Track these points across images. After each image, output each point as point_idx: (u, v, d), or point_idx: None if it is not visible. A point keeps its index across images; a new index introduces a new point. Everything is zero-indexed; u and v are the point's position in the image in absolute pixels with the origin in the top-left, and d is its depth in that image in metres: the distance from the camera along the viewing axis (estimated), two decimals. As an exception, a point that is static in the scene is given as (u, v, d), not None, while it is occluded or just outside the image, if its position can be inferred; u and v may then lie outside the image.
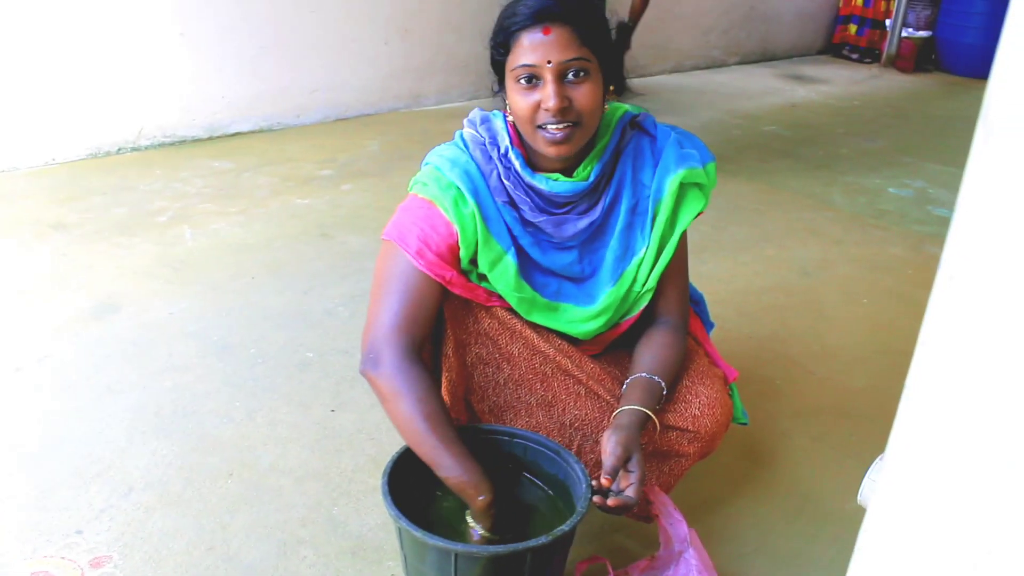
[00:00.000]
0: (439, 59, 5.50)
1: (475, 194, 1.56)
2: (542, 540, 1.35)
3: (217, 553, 1.77)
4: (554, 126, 1.47)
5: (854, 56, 8.21)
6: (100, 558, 1.75)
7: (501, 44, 1.52)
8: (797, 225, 3.81)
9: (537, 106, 1.47)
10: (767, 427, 2.28)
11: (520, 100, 1.49)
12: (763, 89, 6.75)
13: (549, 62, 1.45)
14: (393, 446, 1.59)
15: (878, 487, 0.70)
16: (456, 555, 1.35)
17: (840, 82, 7.22)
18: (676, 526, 1.49)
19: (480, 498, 1.44)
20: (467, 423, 1.70)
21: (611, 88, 1.59)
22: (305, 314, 2.80)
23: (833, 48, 8.46)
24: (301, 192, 3.95)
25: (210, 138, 4.64)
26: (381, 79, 5.31)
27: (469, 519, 1.49)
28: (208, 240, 3.36)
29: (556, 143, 1.49)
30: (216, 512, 1.89)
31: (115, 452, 2.06)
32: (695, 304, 1.98)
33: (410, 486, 1.51)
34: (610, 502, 1.42)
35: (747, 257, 3.42)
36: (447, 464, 1.46)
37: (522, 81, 1.48)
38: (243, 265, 3.14)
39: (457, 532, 1.51)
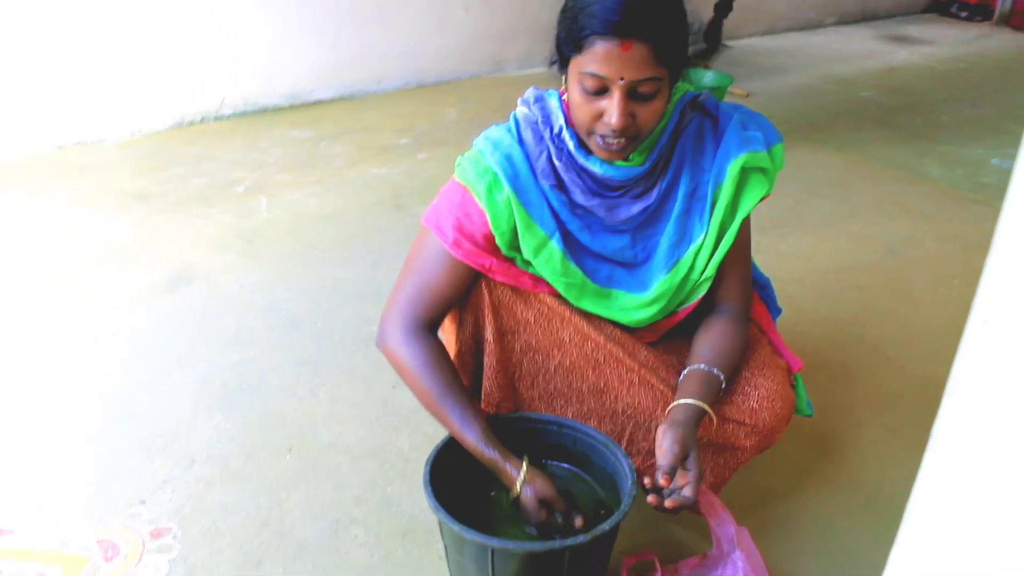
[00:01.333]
0: (521, 23, 5.41)
1: (513, 180, 1.51)
2: (580, 539, 1.32)
3: (271, 529, 1.80)
4: (611, 138, 1.41)
5: (963, 14, 7.76)
6: (160, 529, 1.79)
7: (573, 40, 1.39)
8: (887, 199, 3.64)
9: (598, 115, 1.40)
10: (838, 416, 2.19)
11: (581, 105, 1.41)
12: (861, 52, 6.46)
13: (622, 79, 1.35)
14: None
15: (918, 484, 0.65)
16: (493, 550, 1.33)
17: (946, 43, 6.85)
18: (723, 527, 1.44)
19: (509, 470, 1.48)
20: (515, 411, 1.67)
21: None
22: (373, 288, 2.81)
23: (940, 6, 8.02)
24: (377, 161, 3.96)
25: (291, 106, 4.69)
26: (462, 44, 5.27)
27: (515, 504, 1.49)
28: (283, 211, 3.40)
29: (610, 152, 1.44)
30: (273, 488, 1.92)
31: (180, 425, 2.11)
32: (761, 289, 1.89)
33: (465, 472, 1.51)
34: (668, 504, 1.36)
35: (830, 233, 3.28)
36: (468, 427, 1.51)
37: (587, 86, 1.38)
38: (315, 237, 3.17)
39: (514, 522, 1.50)
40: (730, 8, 4.87)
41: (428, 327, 1.58)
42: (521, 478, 1.46)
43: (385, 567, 1.71)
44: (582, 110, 1.41)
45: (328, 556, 1.73)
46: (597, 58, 1.35)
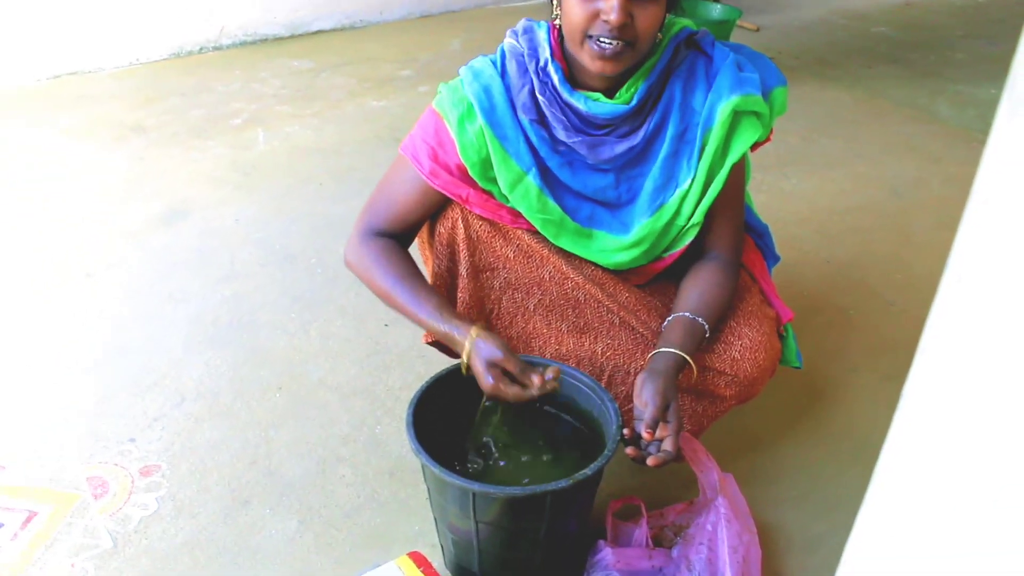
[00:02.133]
0: (528, -48, 5.28)
1: (488, 112, 1.47)
2: (562, 484, 1.31)
3: (259, 467, 1.81)
4: (607, 39, 1.36)
5: (984, -54, 7.53)
6: (149, 467, 1.80)
7: None
8: (895, 139, 3.56)
9: (595, 15, 1.35)
10: (833, 362, 2.17)
11: (577, 5, 1.36)
12: (877, -16, 6.28)
13: None
14: (444, 364, 1.57)
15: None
16: (474, 494, 1.33)
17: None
18: (707, 474, 1.44)
19: (465, 341, 1.46)
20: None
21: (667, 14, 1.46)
22: (369, 224, 2.78)
23: (962, -64, 7.77)
24: (377, 93, 3.90)
25: (291, 36, 4.60)
26: (467, -26, 5.15)
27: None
28: (280, 144, 3.35)
29: (604, 58, 1.38)
30: (262, 426, 1.92)
31: (171, 362, 2.11)
32: (759, 237, 1.85)
33: (450, 413, 1.50)
34: (650, 462, 1.35)
35: (836, 173, 3.22)
36: (428, 310, 1.51)
37: None
38: (312, 171, 3.13)
39: (494, 457, 1.50)
40: None
41: (385, 234, 1.60)
42: (469, 341, 1.44)
43: (371, 506, 1.72)
44: (578, 11, 1.36)
45: (314, 495, 1.74)
46: None
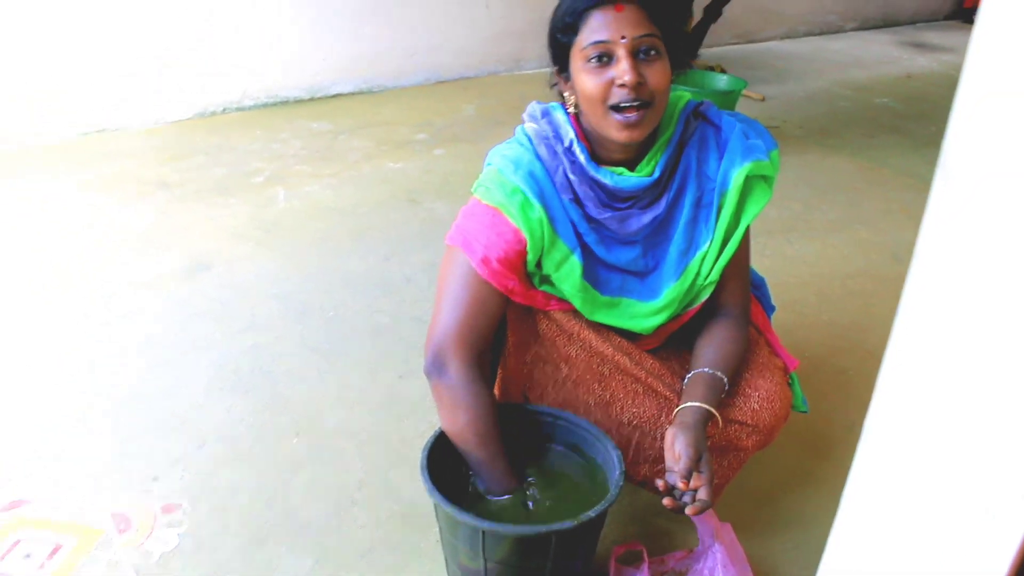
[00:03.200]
0: (541, 22, 5.41)
1: (541, 196, 1.54)
2: (567, 525, 1.38)
3: (276, 509, 1.87)
4: (628, 104, 1.44)
5: (984, 23, 7.75)
6: (171, 505, 1.87)
7: (569, 26, 1.48)
8: (895, 206, 3.68)
9: (610, 84, 1.44)
10: (832, 419, 2.24)
11: (591, 80, 1.46)
12: (879, 58, 6.48)
13: (623, 37, 1.42)
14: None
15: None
16: (484, 532, 1.39)
17: (966, 51, 6.84)
18: (703, 521, 1.50)
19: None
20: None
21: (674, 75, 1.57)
22: (385, 280, 2.88)
23: (963, 13, 8.02)
24: (394, 156, 4.03)
25: (311, 99, 4.77)
26: (481, 42, 5.33)
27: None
28: (300, 202, 3.48)
29: (629, 126, 1.46)
30: (280, 469, 1.99)
31: (193, 407, 2.19)
32: (755, 288, 1.94)
33: (461, 460, 1.57)
34: (689, 511, 1.39)
35: (837, 239, 3.32)
36: (488, 477, 1.55)
37: (593, 60, 1.45)
38: (330, 229, 3.25)
39: (502, 505, 1.56)
40: (718, 14, 4.85)
41: (482, 360, 1.59)
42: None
43: (383, 548, 1.78)
44: (592, 85, 1.45)
45: (330, 536, 1.81)
46: (596, 27, 1.44)
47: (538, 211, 1.53)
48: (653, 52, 1.46)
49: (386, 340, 2.53)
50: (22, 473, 1.97)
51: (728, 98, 3.95)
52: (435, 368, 1.55)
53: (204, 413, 2.17)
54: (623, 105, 1.45)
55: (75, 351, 2.42)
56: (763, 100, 4.96)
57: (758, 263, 2.92)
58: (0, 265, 2.92)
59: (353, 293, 2.79)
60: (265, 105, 4.63)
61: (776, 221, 3.32)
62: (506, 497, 1.55)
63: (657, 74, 1.46)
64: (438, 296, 1.59)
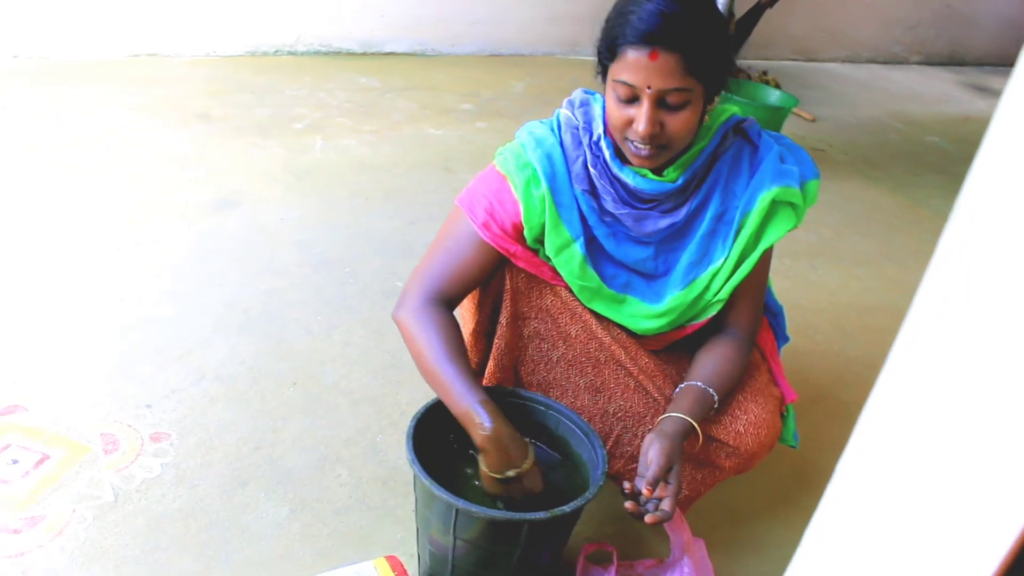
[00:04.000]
0: (604, 9, 5.41)
1: (551, 179, 1.55)
2: (540, 515, 1.39)
3: (262, 454, 1.90)
4: (641, 145, 1.45)
5: (1054, 75, 7.59)
6: (160, 434, 1.90)
7: (609, 48, 1.45)
8: (927, 248, 3.62)
9: (629, 122, 1.44)
10: (826, 451, 2.21)
11: (614, 110, 1.46)
12: (939, 96, 6.37)
13: (649, 87, 1.39)
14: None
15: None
16: (457, 510, 1.40)
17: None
18: (677, 533, 1.50)
19: (482, 428, 1.46)
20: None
21: (714, 100, 1.55)
22: (405, 243, 2.89)
23: (1032, 62, 7.85)
24: (436, 122, 4.03)
25: (363, 53, 4.78)
26: (542, 21, 5.30)
27: (480, 463, 1.51)
28: (336, 154, 3.49)
29: (641, 158, 1.47)
30: (272, 416, 2.01)
31: (198, 341, 2.22)
32: (772, 316, 1.93)
33: (448, 437, 1.58)
34: (648, 519, 1.40)
35: (862, 272, 3.29)
36: (456, 394, 1.48)
37: (619, 94, 1.43)
38: (361, 185, 3.26)
39: (484, 493, 1.57)
40: (755, 22, 4.77)
41: (445, 302, 1.60)
42: (530, 460, 1.49)
43: (360, 508, 1.80)
44: (615, 116, 1.46)
45: (309, 488, 1.83)
46: (628, 67, 1.40)
47: (543, 191, 1.54)
48: (680, 103, 1.42)
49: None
50: (24, 380, 2.00)
51: (777, 114, 3.91)
52: (397, 306, 1.59)
53: (208, 349, 2.19)
54: (636, 144, 1.45)
55: (93, 269, 2.46)
56: (813, 121, 4.91)
57: (777, 284, 2.90)
58: (35, 172, 2.97)
59: (373, 252, 2.80)
60: (317, 53, 4.63)
61: (803, 244, 3.30)
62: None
63: (678, 122, 1.43)
64: (429, 249, 1.63)
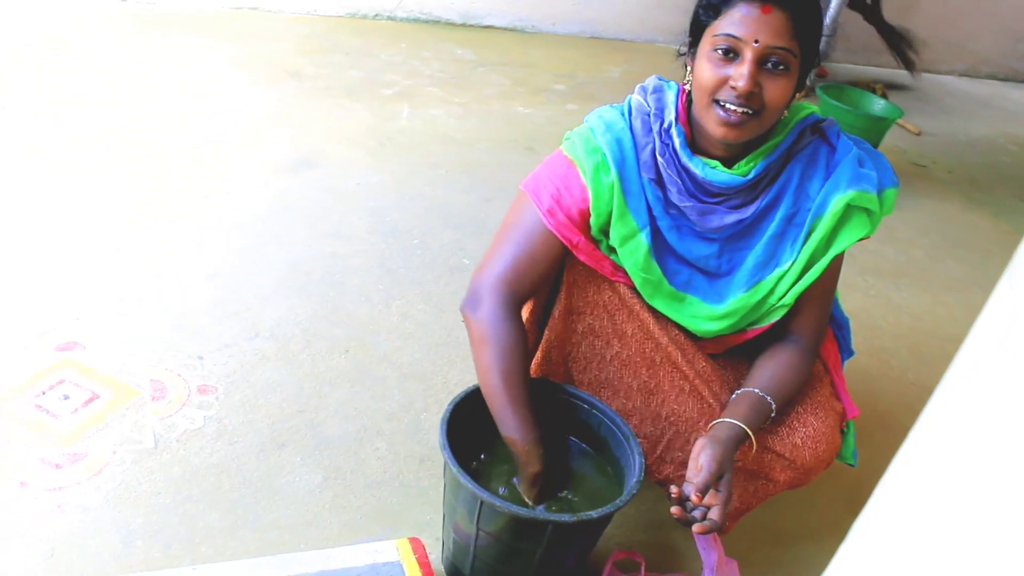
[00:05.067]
0: (712, 1, 5.28)
1: (620, 165, 1.50)
2: (565, 518, 1.35)
3: (304, 417, 1.90)
4: (733, 105, 1.38)
5: None
6: (208, 387, 1.92)
7: (712, 6, 1.41)
8: None
9: (724, 81, 1.38)
10: (881, 477, 2.12)
11: (708, 69, 1.39)
12: (1061, 120, 6.02)
13: (756, 41, 1.35)
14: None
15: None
16: (481, 502, 1.37)
17: None
18: (708, 552, 1.44)
19: (530, 468, 1.48)
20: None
21: (796, 94, 1.47)
22: (479, 221, 2.86)
23: None
24: (527, 100, 3.98)
25: (463, 24, 4.75)
26: (646, 7, 5.18)
27: (516, 483, 1.52)
28: (421, 124, 3.47)
29: (728, 124, 1.40)
30: (320, 381, 2.01)
31: (258, 298, 2.23)
32: (837, 328, 1.84)
33: (484, 423, 1.55)
34: (696, 529, 1.34)
35: (950, 298, 3.13)
36: (509, 424, 1.49)
37: (719, 51, 1.38)
38: (442, 157, 3.23)
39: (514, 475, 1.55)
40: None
41: (519, 304, 1.56)
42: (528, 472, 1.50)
43: (393, 485, 1.78)
44: (708, 75, 1.39)
45: (346, 458, 1.82)
46: (735, 20, 1.36)
47: (612, 178, 1.49)
48: (782, 67, 1.38)
49: (461, 281, 2.51)
50: (87, 318, 2.04)
51: (878, 124, 3.74)
52: (470, 303, 1.54)
53: (266, 307, 2.20)
54: (728, 104, 1.38)
55: (167, 218, 2.50)
56: (919, 134, 4.69)
57: (858, 301, 2.78)
58: (130, 116, 3.03)
59: (445, 226, 2.78)
60: (416, 20, 4.62)
61: (891, 263, 3.15)
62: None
63: (776, 89, 1.38)
64: (496, 236, 1.58)
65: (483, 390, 1.52)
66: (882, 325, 2.77)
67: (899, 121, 4.40)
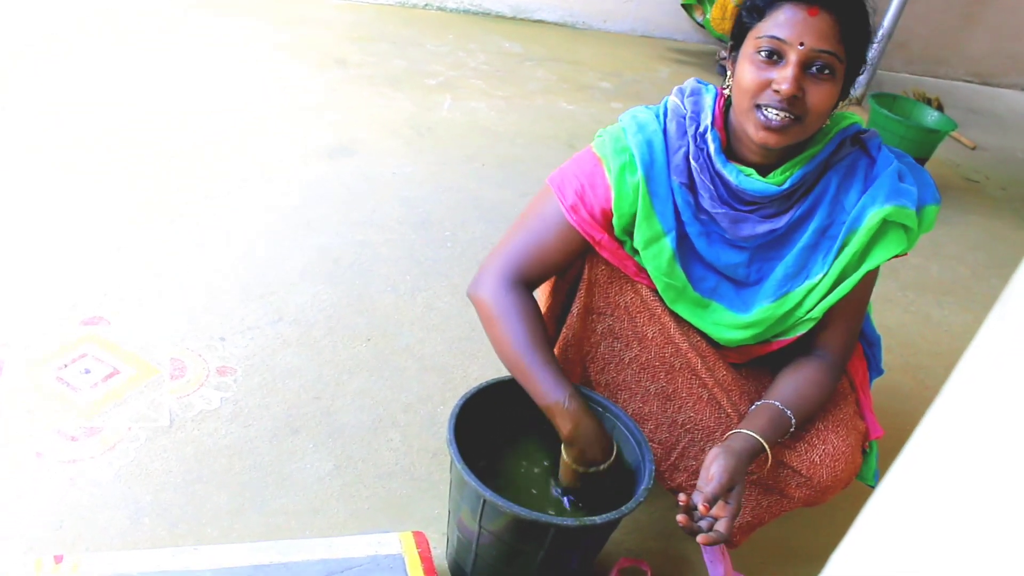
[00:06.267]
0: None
1: (648, 167, 1.46)
2: (568, 522, 1.33)
3: (320, 404, 1.90)
4: (775, 110, 1.34)
5: None
6: (227, 368, 1.92)
7: (757, 8, 1.38)
8: (1075, 303, 3.32)
9: (766, 84, 1.34)
10: (909, 504, 2.07)
11: (750, 72, 1.36)
12: None
13: (802, 44, 1.32)
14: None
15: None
16: (484, 501, 1.35)
17: None
18: (714, 566, 1.41)
19: (572, 423, 1.43)
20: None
21: (842, 102, 1.43)
22: (512, 215, 2.82)
23: None
24: (571, 96, 3.95)
25: (513, 18, 4.72)
26: (700, 8, 5.12)
27: (563, 453, 1.48)
28: (462, 115, 3.46)
29: (768, 128, 1.36)
30: (339, 369, 2.01)
31: (284, 283, 2.23)
32: (868, 345, 1.78)
33: (501, 415, 1.54)
34: (701, 539, 1.30)
35: (995, 318, 3.03)
36: (539, 386, 1.44)
37: (762, 53, 1.35)
38: (480, 149, 3.22)
39: (524, 482, 1.52)
40: None
41: (524, 284, 1.53)
42: (613, 457, 1.48)
43: (404, 477, 1.77)
44: (750, 78, 1.35)
45: (358, 447, 1.81)
46: (780, 22, 1.33)
47: (638, 179, 1.45)
48: (827, 72, 1.34)
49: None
50: (113, 293, 2.07)
51: (932, 137, 3.64)
52: (474, 284, 1.53)
53: (291, 292, 2.21)
54: (770, 109, 1.35)
55: (203, 199, 2.52)
56: (973, 148, 4.57)
57: (897, 316, 2.72)
58: (175, 99, 3.06)
59: (477, 219, 2.76)
60: (466, 12, 4.61)
61: (935, 280, 3.07)
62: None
63: (820, 94, 1.34)
64: (513, 225, 1.56)
65: (505, 365, 1.50)
66: (919, 343, 2.70)
67: (953, 134, 4.29)
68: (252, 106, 3.11)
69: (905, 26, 4.68)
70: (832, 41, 1.32)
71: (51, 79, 3.10)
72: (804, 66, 1.33)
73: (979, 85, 5.90)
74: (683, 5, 4.53)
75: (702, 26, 4.59)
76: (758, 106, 1.36)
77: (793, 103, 1.34)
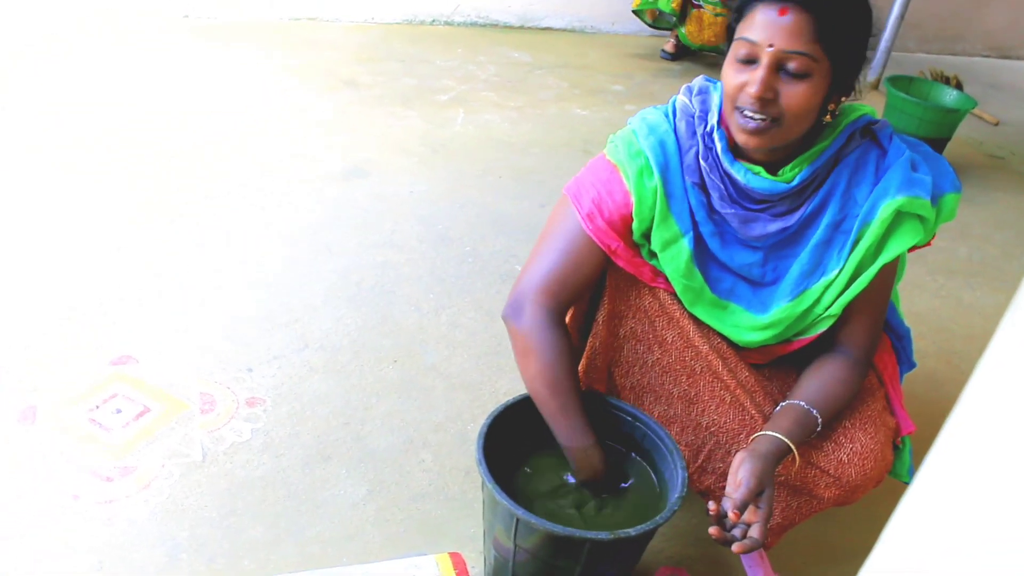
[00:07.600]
0: None
1: (664, 168, 1.46)
2: (602, 536, 1.31)
3: (350, 430, 1.90)
4: (751, 113, 1.34)
5: None
6: (256, 399, 1.93)
7: (736, 9, 1.38)
8: (1110, 276, 3.26)
9: (743, 87, 1.33)
10: (952, 493, 2.03)
11: (730, 74, 1.36)
12: None
13: (770, 46, 1.30)
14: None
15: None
16: (517, 519, 1.35)
17: None
18: (754, 568, 1.39)
19: (587, 473, 1.48)
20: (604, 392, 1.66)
21: (841, 98, 1.41)
22: (531, 227, 2.83)
23: None
24: (583, 102, 3.94)
25: (520, 27, 4.73)
26: (708, 4, 5.09)
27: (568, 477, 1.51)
28: (475, 128, 3.46)
29: (747, 131, 1.35)
30: (367, 393, 2.01)
31: (307, 309, 2.24)
32: (897, 339, 1.75)
33: (527, 434, 1.53)
34: (735, 548, 1.28)
35: (1028, 296, 2.98)
36: (563, 432, 1.48)
37: (739, 54, 1.34)
38: (495, 162, 3.22)
39: (560, 493, 1.52)
40: None
41: (562, 312, 1.54)
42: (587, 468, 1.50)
43: (438, 497, 1.77)
44: (729, 80, 1.35)
45: (390, 471, 1.81)
46: (753, 24, 1.31)
47: (655, 181, 1.45)
48: (801, 72, 1.31)
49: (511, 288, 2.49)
50: (140, 331, 2.08)
51: (951, 116, 3.59)
52: (512, 311, 1.52)
53: (315, 317, 2.22)
54: (746, 111, 1.34)
55: (217, 228, 2.53)
56: (996, 124, 4.50)
57: (927, 302, 2.68)
58: (183, 124, 3.09)
59: (496, 233, 2.76)
60: (474, 24, 4.62)
61: (963, 262, 3.02)
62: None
63: (794, 96, 1.32)
64: (538, 241, 1.55)
65: (534, 399, 1.51)
66: (951, 327, 2.65)
67: (975, 111, 4.23)
68: (262, 133, 3.12)
69: (917, 6, 4.62)
70: (804, 41, 1.29)
71: (51, 79, 3.15)
72: (776, 68, 1.31)
73: (998, 59, 5.82)
74: (634, 11, 4.50)
75: (652, 26, 4.57)
76: (738, 108, 1.36)
77: (766, 105, 1.32)
